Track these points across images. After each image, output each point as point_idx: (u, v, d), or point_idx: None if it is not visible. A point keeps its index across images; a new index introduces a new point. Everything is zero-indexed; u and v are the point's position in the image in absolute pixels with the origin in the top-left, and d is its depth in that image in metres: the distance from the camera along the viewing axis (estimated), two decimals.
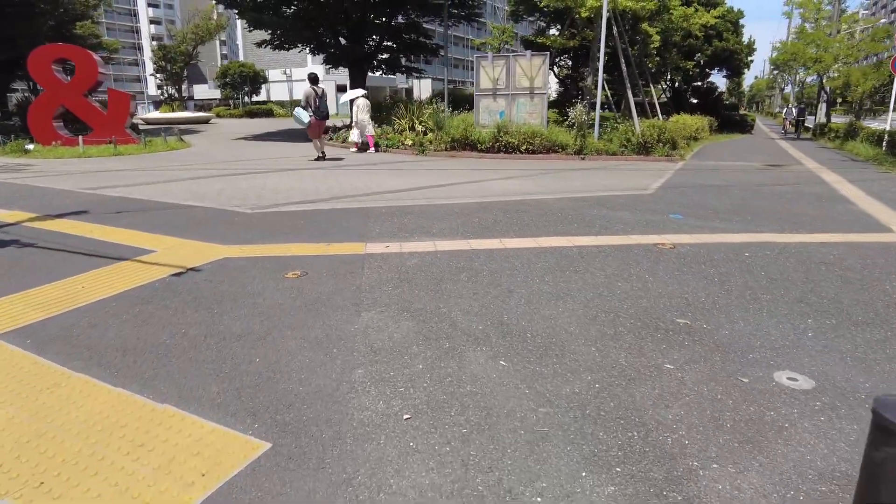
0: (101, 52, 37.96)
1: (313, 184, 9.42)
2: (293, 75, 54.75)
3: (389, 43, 22.38)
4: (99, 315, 3.68)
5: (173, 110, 35.38)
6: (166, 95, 45.72)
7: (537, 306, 3.86)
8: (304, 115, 12.76)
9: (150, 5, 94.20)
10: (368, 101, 15.98)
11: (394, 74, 25.93)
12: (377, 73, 24.88)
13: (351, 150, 15.73)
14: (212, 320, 3.60)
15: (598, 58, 14.56)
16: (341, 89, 50.90)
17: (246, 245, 5.40)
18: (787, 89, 70.48)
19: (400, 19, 22.05)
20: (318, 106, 12.71)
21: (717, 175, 11.40)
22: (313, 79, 13.03)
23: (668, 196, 8.44)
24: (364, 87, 23.50)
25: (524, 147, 14.39)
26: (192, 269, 4.66)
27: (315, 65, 57.67)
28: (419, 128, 16.89)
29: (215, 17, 54.40)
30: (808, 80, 45.13)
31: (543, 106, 14.82)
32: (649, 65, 25.13)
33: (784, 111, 26.69)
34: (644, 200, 8.03)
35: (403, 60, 23.08)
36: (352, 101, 16.18)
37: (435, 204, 7.53)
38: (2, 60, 27.91)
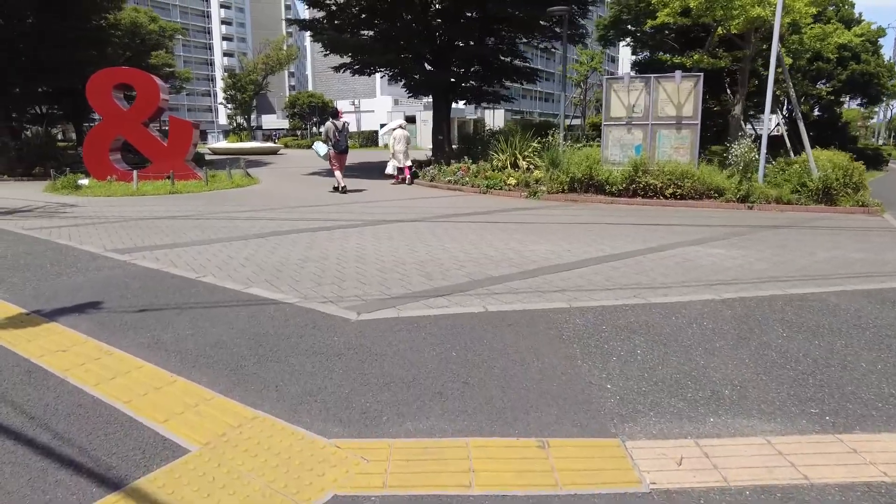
0: (173, 80, 37.57)
1: (426, 248, 6.61)
2: (361, 106, 53.67)
3: (477, 68, 19.83)
4: None
5: (241, 140, 34.19)
6: (235, 125, 45.11)
7: None
8: (322, 149, 13.06)
9: (224, 38, 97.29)
10: (407, 133, 15.62)
11: (478, 104, 23.41)
12: (460, 104, 22.37)
13: (391, 182, 15.26)
14: None
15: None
16: (410, 121, 49.25)
17: (369, 439, 2.53)
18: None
19: (490, 41, 19.51)
20: (337, 140, 12.81)
21: None
22: (334, 113, 13.60)
23: None
24: (448, 118, 21.06)
25: (670, 191, 11.25)
26: None
27: (385, 95, 56.61)
28: (523, 164, 14.06)
29: (285, 48, 54.33)
30: None
31: (694, 139, 11.67)
32: (777, 92, 21.59)
33: None
34: None
35: (497, 87, 20.42)
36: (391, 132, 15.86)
37: (653, 304, 4.51)
38: (80, 90, 27.37)
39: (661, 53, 33.37)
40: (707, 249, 6.72)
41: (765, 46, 16.01)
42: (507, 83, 20.66)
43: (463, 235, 7.46)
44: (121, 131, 14.41)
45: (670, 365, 3.36)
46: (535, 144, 14.45)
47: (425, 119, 50.42)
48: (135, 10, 33.91)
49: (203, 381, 3.09)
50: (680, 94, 11.64)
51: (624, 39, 34.13)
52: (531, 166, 14.05)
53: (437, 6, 17.36)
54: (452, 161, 15.68)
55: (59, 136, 44.33)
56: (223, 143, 32.94)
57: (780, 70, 12.11)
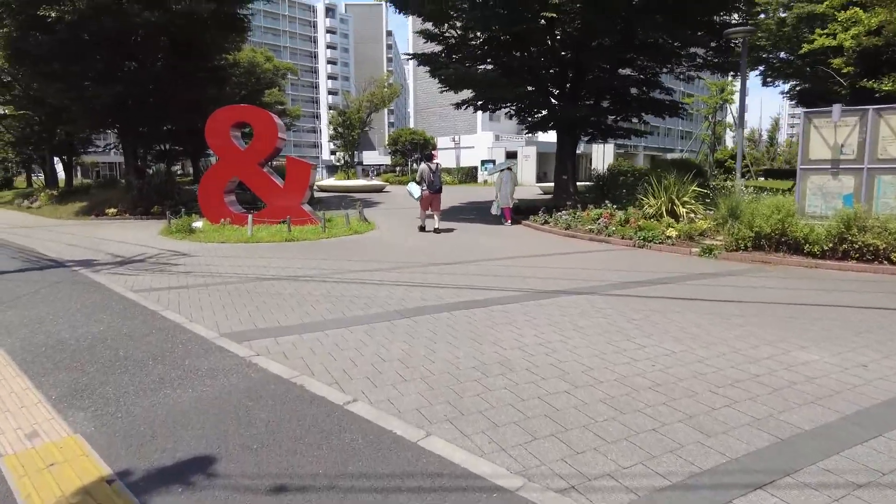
0: (284, 118, 38.56)
1: (641, 351, 4.68)
2: (461, 142, 53.04)
3: (609, 101, 17.88)
4: None
5: (348, 177, 34.08)
6: (342, 162, 45.64)
7: None
8: (416, 190, 13.59)
9: (329, 77, 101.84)
10: (514, 174, 15.77)
11: (605, 140, 21.38)
12: (584, 139, 20.40)
13: (505, 223, 15.10)
14: None
15: None
16: (511, 156, 47.84)
17: None
18: None
19: (626, 72, 17.55)
20: (431, 181, 13.19)
21: None
22: (428, 156, 14.79)
23: None
24: (574, 155, 19.18)
25: None
26: None
27: (485, 131, 55.73)
28: (683, 212, 11.85)
29: (387, 87, 55.18)
30: None
31: None
32: None
33: None
34: None
35: (635, 120, 18.35)
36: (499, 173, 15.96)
37: None
38: (199, 128, 28.31)
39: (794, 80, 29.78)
40: None
41: None
42: (645, 117, 18.48)
43: (676, 326, 5.45)
44: (237, 172, 13.76)
45: None
46: (693, 188, 12.24)
47: (527, 155, 48.84)
48: (252, 51, 35.19)
49: None
50: None
51: (756, 68, 30.95)
52: (692, 215, 11.84)
53: (568, 33, 15.68)
54: (590, 206, 13.71)
55: (179, 171, 46.91)
56: (331, 181, 32.89)
57: None
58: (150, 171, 24.29)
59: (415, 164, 49.67)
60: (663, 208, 12.06)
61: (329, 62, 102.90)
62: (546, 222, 13.89)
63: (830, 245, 9.11)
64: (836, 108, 9.45)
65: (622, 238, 11.48)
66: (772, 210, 9.83)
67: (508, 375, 4.08)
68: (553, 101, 17.59)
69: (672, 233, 11.08)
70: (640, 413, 3.50)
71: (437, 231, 13.25)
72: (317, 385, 3.90)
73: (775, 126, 78.60)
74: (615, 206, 12.91)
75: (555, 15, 13.35)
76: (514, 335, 5.08)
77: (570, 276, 7.97)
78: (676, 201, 12.02)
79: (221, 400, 3.68)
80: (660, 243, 10.83)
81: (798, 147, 10.20)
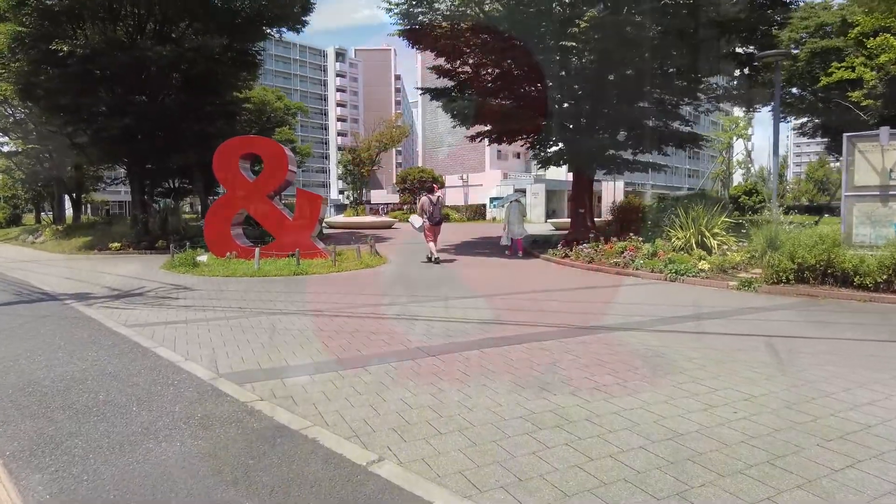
0: (295, 156, 38.51)
1: (743, 405, 3.94)
2: (469, 180, 52.93)
3: (625, 134, 17.42)
4: None
5: (357, 214, 33.72)
6: (351, 199, 45.42)
7: None
8: (418, 221, 13.44)
9: (338, 119, 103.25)
10: (522, 205, 15.68)
11: (620, 174, 20.88)
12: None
13: (506, 253, 15.15)
14: None
15: None
16: (520, 192, 47.53)
17: None
18: None
19: (643, 104, 17.13)
20: (432, 213, 13.19)
21: None
22: (429, 188, 14.76)
23: None
24: (590, 189, 18.67)
25: None
26: None
27: (494, 169, 55.69)
28: (714, 244, 11.17)
29: (396, 128, 55.49)
30: None
31: None
32: None
33: None
34: None
35: (655, 153, 17.87)
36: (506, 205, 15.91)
37: None
38: (208, 164, 27.99)
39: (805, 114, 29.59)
40: None
41: None
42: (656, 154, 18.00)
43: (743, 365, 4.69)
44: (245, 204, 13.25)
45: None
46: (724, 219, 11.59)
47: (536, 192, 48.53)
48: (263, 90, 35.37)
49: None
50: None
51: (768, 104, 30.73)
52: (723, 247, 11.16)
53: (584, 64, 15.33)
54: (612, 238, 13.04)
55: (187, 209, 46.74)
56: (340, 218, 32.58)
57: None
58: (157, 206, 23.91)
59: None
60: (692, 240, 11.39)
61: (339, 104, 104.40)
62: (566, 255, 13.21)
63: (884, 277, 8.36)
64: (884, 130, 8.85)
65: (651, 271, 10.76)
66: (815, 240, 9.12)
67: (566, 427, 3.35)
68: (568, 134, 17.15)
69: (705, 265, 10.38)
70: (744, 476, 2.75)
71: (436, 261, 13.09)
72: (333, 439, 3.18)
73: (784, 164, 78.84)
74: (641, 239, 12.24)
75: (574, 43, 12.99)
76: (561, 377, 4.35)
77: (607, 311, 7.25)
78: (706, 233, 11.35)
79: (215, 458, 2.97)
80: (693, 276, 10.11)
81: (841, 175, 9.58)
